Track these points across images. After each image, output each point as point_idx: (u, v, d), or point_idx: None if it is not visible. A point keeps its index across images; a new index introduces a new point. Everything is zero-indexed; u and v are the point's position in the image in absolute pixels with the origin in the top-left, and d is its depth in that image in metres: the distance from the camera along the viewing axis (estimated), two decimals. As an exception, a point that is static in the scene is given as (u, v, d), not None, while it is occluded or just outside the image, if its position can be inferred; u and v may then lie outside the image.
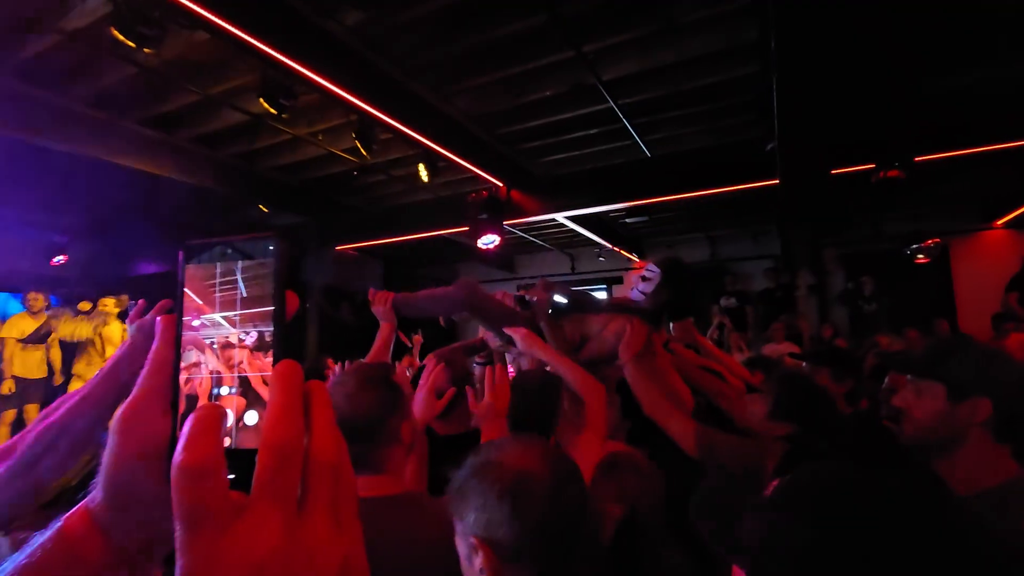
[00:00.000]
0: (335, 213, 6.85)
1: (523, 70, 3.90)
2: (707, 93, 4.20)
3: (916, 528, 0.45)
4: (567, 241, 8.67)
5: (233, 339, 0.35)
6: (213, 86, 3.98)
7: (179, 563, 0.26)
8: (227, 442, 0.33)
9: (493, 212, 5.52)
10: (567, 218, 6.40)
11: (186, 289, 0.36)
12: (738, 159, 5.00)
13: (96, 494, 0.34)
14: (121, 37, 2.84)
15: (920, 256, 6.45)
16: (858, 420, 1.93)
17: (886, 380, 2.87)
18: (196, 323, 0.36)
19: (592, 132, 4.91)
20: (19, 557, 0.33)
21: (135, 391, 0.35)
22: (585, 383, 1.75)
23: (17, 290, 6.06)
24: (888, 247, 7.02)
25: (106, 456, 0.33)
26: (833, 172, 4.51)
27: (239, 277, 0.35)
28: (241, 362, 0.35)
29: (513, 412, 1.58)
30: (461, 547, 0.86)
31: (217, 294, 0.36)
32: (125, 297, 6.17)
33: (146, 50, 2.93)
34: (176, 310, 0.36)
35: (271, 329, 0.34)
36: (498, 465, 0.86)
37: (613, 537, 1.17)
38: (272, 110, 3.61)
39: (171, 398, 0.35)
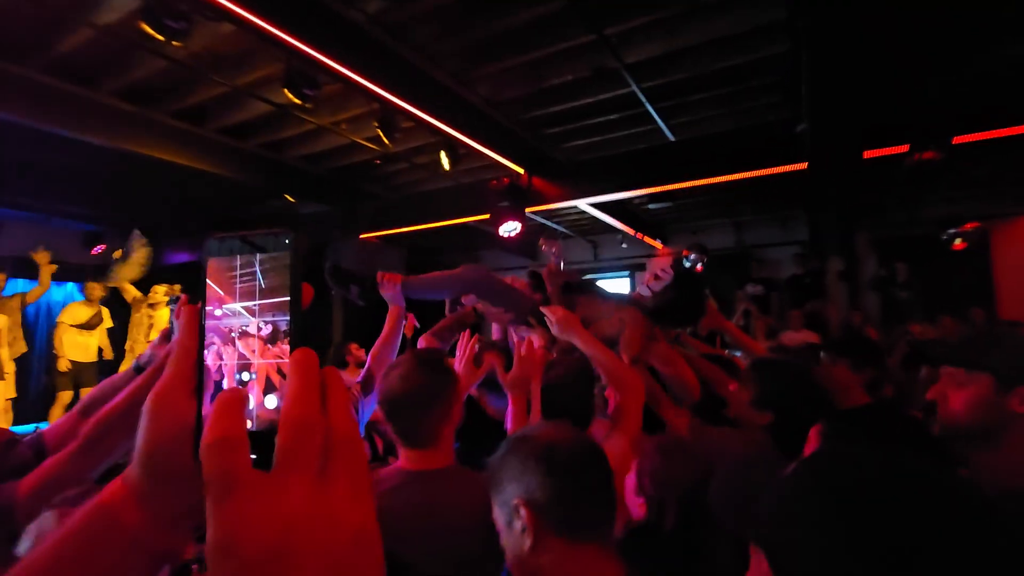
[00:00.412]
0: (358, 202, 6.93)
1: (544, 55, 3.86)
2: (732, 75, 4.10)
3: (927, 507, 0.46)
4: (589, 228, 8.61)
5: (252, 329, 0.37)
6: (239, 77, 4.05)
7: (209, 533, 0.28)
8: (248, 424, 0.35)
9: (514, 199, 5.52)
10: (589, 205, 6.35)
11: (208, 280, 0.38)
12: (764, 142, 4.88)
13: (131, 469, 0.37)
14: (150, 31, 2.90)
15: (957, 241, 6.21)
16: (880, 407, 1.90)
17: (922, 372, 2.78)
18: (219, 312, 0.38)
19: (614, 117, 4.85)
20: (63, 525, 0.36)
21: (163, 376, 0.38)
22: (623, 377, 1.65)
23: (60, 280, 6.33)
24: (925, 232, 6.76)
25: (139, 435, 0.36)
26: (865, 155, 4.37)
27: (257, 269, 0.37)
28: (255, 351, 0.37)
29: (547, 404, 1.61)
30: (500, 518, 0.96)
31: (237, 284, 0.38)
32: (178, 286, 6.44)
33: (174, 43, 2.99)
34: (200, 300, 0.39)
35: (287, 318, 0.37)
36: (532, 438, 0.98)
37: (676, 521, 1.23)
38: (296, 100, 3.65)
39: (196, 382, 0.38)
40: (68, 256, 6.70)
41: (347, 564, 0.29)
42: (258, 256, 0.37)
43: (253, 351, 0.37)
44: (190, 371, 0.38)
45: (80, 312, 5.97)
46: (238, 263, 0.38)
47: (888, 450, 0.50)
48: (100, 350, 6.12)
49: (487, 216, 5.83)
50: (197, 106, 4.59)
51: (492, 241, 7.75)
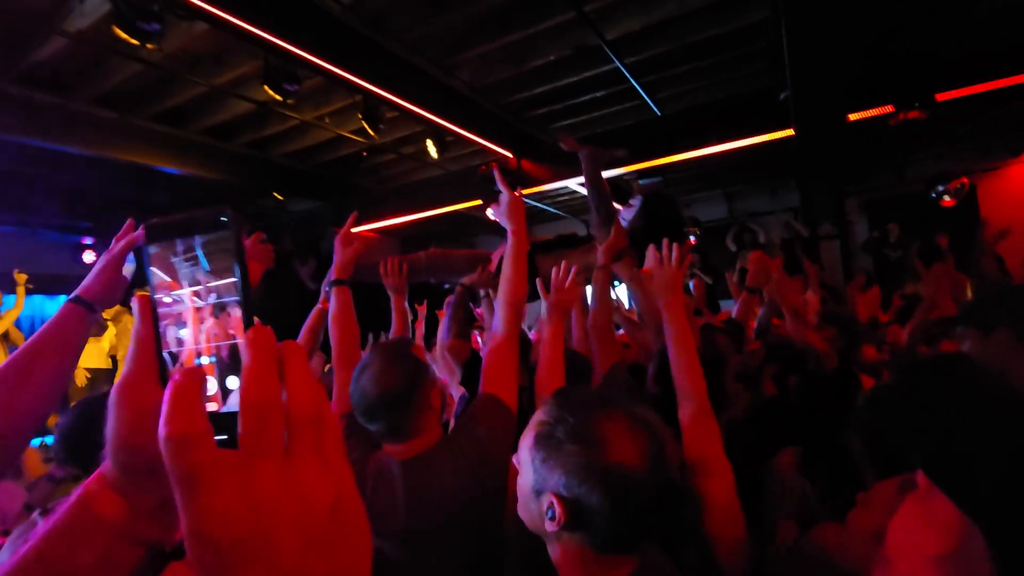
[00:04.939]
0: (349, 196, 6.88)
1: (524, 35, 3.82)
2: (715, 44, 4.07)
3: None
4: (581, 208, 8.59)
5: (203, 309, 0.37)
6: (217, 77, 4.00)
7: (183, 523, 0.28)
8: (214, 407, 0.35)
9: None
10: (580, 185, 6.33)
11: (154, 268, 0.37)
12: (751, 111, 4.86)
13: (107, 463, 0.37)
14: (123, 35, 2.86)
15: (946, 198, 6.23)
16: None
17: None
18: (168, 299, 0.37)
19: (599, 94, 4.82)
20: (47, 523, 0.37)
21: (125, 369, 0.38)
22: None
23: (49, 292, 6.28)
24: (913, 191, 6.79)
25: (108, 429, 0.36)
26: (850, 118, 4.36)
27: (199, 251, 0.36)
28: (216, 332, 0.37)
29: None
30: (526, 478, 0.88)
31: (182, 269, 0.37)
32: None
33: (148, 46, 2.95)
34: (148, 289, 0.38)
35: (235, 299, 0.36)
36: (606, 450, 0.83)
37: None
38: (277, 96, 3.61)
39: (159, 370, 0.37)
40: (58, 268, 6.66)
41: (325, 538, 0.29)
42: (198, 239, 0.36)
43: (210, 334, 0.36)
44: (150, 360, 0.37)
45: None
46: (180, 248, 0.37)
47: None
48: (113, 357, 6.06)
49: (478, 202, 5.82)
50: (177, 108, 4.53)
51: (487, 226, 7.74)
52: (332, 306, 1.70)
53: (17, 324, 5.71)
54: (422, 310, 4.16)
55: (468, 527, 1.22)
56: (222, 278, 0.36)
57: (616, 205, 2.20)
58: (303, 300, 2.55)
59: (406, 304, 2.19)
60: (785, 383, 2.08)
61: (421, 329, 4.09)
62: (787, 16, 2.97)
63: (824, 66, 3.44)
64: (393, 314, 2.15)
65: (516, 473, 0.93)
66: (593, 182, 2.50)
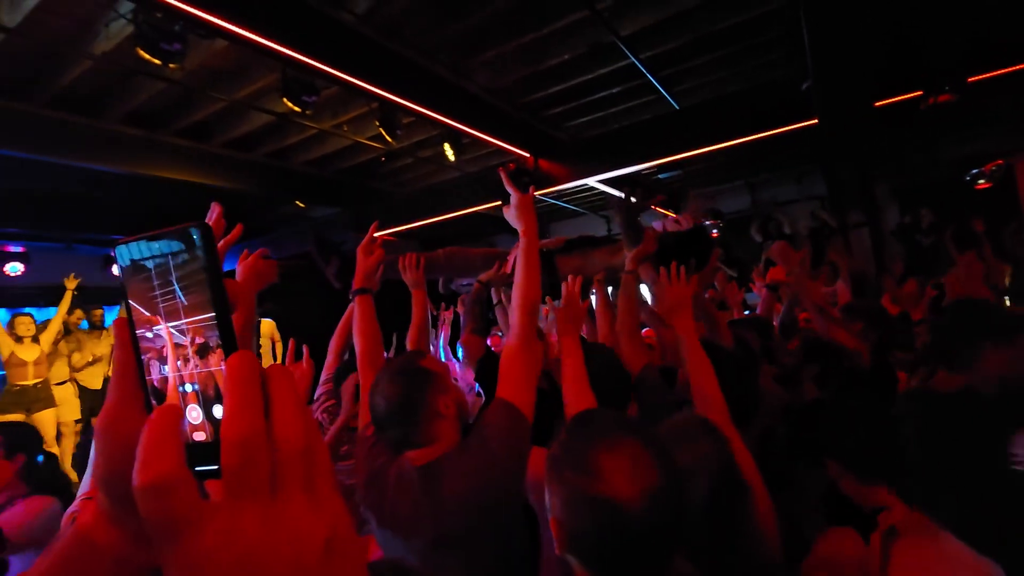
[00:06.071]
0: (368, 201, 6.96)
1: (538, 36, 3.80)
2: (731, 34, 3.99)
3: None
4: (600, 204, 8.53)
5: (184, 342, 0.34)
6: (238, 91, 4.08)
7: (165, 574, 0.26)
8: (201, 436, 0.33)
9: (521, 184, 5.49)
10: (598, 181, 6.28)
11: (132, 302, 0.35)
12: (772, 101, 4.75)
13: (97, 492, 0.36)
14: (147, 56, 2.93)
15: (981, 181, 5.99)
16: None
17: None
18: (150, 335, 0.35)
19: (615, 91, 4.77)
20: (44, 559, 0.36)
21: (108, 397, 0.36)
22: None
23: (87, 303, 6.51)
24: (945, 175, 6.55)
25: (95, 460, 0.35)
26: (877, 104, 4.23)
27: (176, 286, 0.34)
28: (190, 363, 0.34)
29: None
30: (547, 490, 0.88)
31: (160, 304, 0.34)
32: None
33: (171, 65, 3.02)
34: (125, 312, 0.36)
35: (213, 325, 0.33)
36: (604, 484, 0.79)
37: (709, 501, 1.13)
38: (296, 108, 3.67)
39: (144, 398, 0.35)
40: (93, 280, 6.89)
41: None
42: (174, 272, 0.33)
43: (191, 362, 0.34)
44: (132, 387, 0.35)
45: None
46: (156, 283, 0.34)
47: None
48: None
49: (498, 203, 5.81)
50: (201, 123, 4.63)
51: (506, 226, 7.73)
52: (355, 315, 1.74)
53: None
54: (448, 315, 4.19)
55: (486, 531, 1.24)
56: (201, 312, 0.33)
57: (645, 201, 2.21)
58: (329, 302, 2.58)
59: (427, 298, 2.20)
60: (828, 384, 2.02)
61: (447, 332, 4.12)
62: (806, 2, 2.89)
63: (848, 53, 3.33)
64: (413, 308, 2.16)
65: (533, 478, 0.93)
66: (627, 226, 2.54)
